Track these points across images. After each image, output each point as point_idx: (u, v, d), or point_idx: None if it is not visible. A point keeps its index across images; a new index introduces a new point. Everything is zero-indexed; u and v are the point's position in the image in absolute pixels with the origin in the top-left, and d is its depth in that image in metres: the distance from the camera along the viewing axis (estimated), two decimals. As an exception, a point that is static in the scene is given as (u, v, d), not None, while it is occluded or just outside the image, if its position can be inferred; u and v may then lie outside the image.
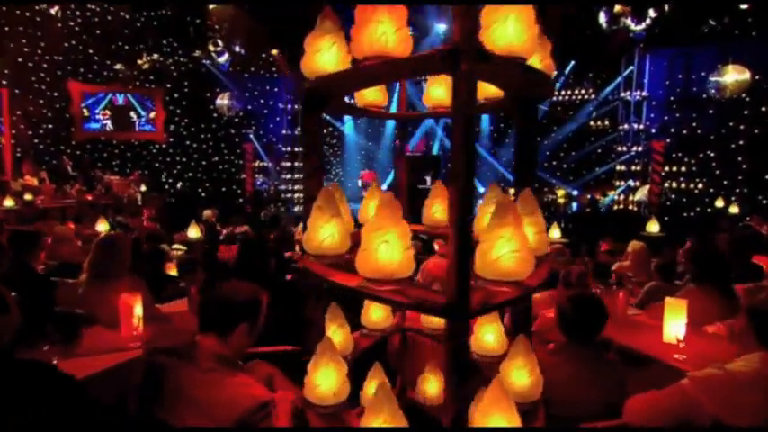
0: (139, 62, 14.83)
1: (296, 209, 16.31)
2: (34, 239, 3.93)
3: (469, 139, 1.26)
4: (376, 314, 2.19)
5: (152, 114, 15.57)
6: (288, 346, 2.66)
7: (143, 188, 12.77)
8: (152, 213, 11.05)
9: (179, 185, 15.26)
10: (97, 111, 14.98)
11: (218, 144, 16.54)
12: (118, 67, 14.79)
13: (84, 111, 14.68)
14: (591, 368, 2.32)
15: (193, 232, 5.76)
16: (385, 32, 1.43)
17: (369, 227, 1.32)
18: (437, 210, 2.01)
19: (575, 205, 16.05)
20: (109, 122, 15.12)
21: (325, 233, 1.51)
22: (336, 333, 1.92)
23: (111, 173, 14.23)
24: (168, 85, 15.59)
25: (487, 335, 1.95)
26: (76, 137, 14.46)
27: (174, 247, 6.98)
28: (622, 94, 13.24)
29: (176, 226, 9.68)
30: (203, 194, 16.34)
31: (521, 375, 1.66)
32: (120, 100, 15.20)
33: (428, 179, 13.36)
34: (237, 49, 14.63)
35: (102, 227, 5.34)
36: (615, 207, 13.63)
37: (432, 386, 2.00)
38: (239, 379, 1.83)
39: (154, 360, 1.86)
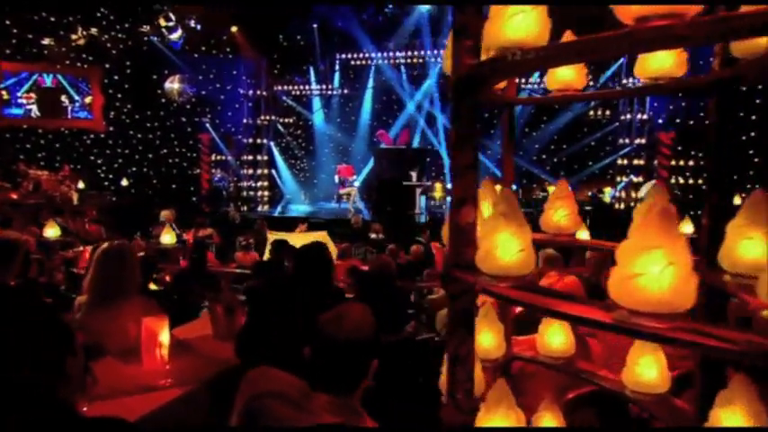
0: (73, 37, 13.79)
1: (260, 209, 15.49)
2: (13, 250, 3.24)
3: None
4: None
5: (87, 99, 14.67)
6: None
7: (81, 185, 11.69)
8: (93, 215, 10.10)
9: (123, 182, 14.16)
10: (19, 93, 14.05)
11: (168, 134, 15.60)
12: (46, 42, 13.78)
13: (4, 93, 13.72)
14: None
15: (168, 238, 5.05)
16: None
17: (635, 244, 1.09)
18: (561, 215, 1.77)
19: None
20: (34, 107, 14.24)
21: (513, 247, 1.28)
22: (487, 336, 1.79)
23: (36, 167, 13.11)
24: (107, 65, 14.68)
25: None
26: (-6, 124, 13.49)
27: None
28: (624, 81, 13.08)
29: (126, 230, 8.91)
30: (150, 192, 15.34)
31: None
32: (47, 81, 14.29)
33: (414, 174, 12.84)
34: (193, 24, 13.67)
35: (52, 232, 4.53)
36: (617, 205, 13.49)
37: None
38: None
39: (260, 406, 1.53)
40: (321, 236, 8.70)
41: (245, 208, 15.07)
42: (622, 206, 13.34)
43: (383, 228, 9.21)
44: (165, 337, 2.55)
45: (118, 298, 2.70)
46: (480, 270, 1.29)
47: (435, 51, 14.34)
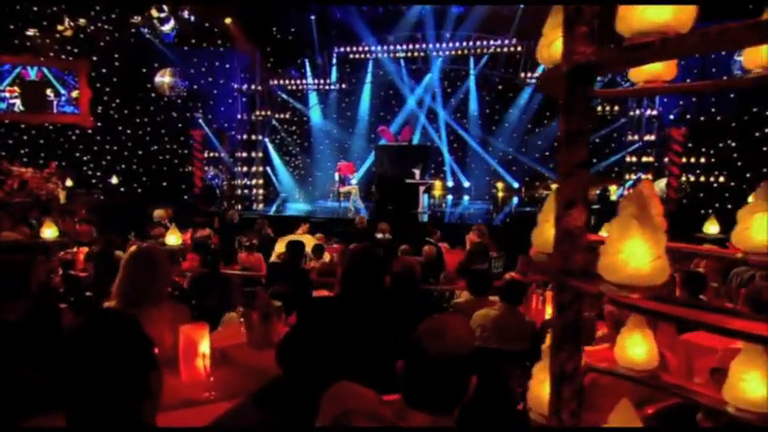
0: (59, 27, 13.50)
1: (255, 207, 15.31)
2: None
3: None
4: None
5: (74, 93, 14.44)
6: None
7: (68, 183, 11.47)
8: (83, 214, 9.92)
9: (113, 180, 13.93)
10: (2, 87, 13.84)
11: (158, 130, 15.37)
12: (30, 32, 13.52)
13: (-14, 86, 13.48)
14: None
15: (173, 238, 4.89)
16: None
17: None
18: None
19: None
20: (18, 101, 14.02)
21: (647, 255, 1.19)
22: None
23: (19, 164, 12.87)
24: (95, 58, 14.44)
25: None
26: (-26, 119, 13.25)
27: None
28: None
29: (118, 230, 8.72)
30: (140, 190, 15.13)
31: None
32: (32, 74, 14.08)
33: (417, 172, 12.71)
34: (186, 14, 13.44)
35: (50, 232, 4.35)
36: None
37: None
38: None
39: (350, 425, 1.50)
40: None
41: (240, 207, 14.89)
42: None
43: (390, 227, 9.07)
44: (205, 346, 2.44)
45: (148, 304, 2.60)
46: (603, 278, 1.22)
47: (438, 45, 14.23)
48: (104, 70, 14.64)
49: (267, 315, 2.88)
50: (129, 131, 15.11)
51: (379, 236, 8.83)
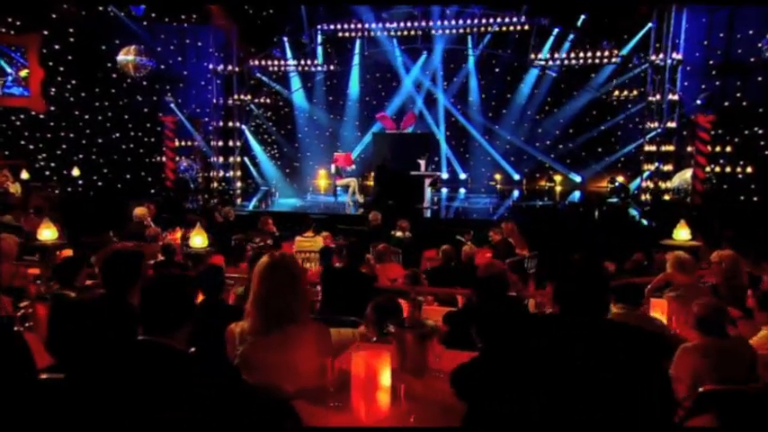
0: (5, -5, 12.52)
1: (239, 202, 14.57)
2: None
3: None
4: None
5: (23, 72, 13.63)
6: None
7: (24, 176, 10.58)
8: (46, 212, 9.09)
9: (74, 172, 13.01)
10: None
11: (121, 116, 14.52)
12: None
13: None
14: None
15: (199, 240, 4.34)
16: None
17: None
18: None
19: (577, 194, 15.69)
20: None
21: None
22: None
23: None
24: (46, 32, 13.53)
25: None
26: None
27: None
28: (652, 57, 12.80)
29: (88, 230, 8.01)
30: (100, 183, 14.25)
31: None
32: None
33: (422, 163, 12.22)
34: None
35: (49, 233, 3.74)
36: (643, 196, 13.24)
37: None
38: None
39: None
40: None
41: (216, 201, 14.17)
42: (649, 197, 13.12)
43: (410, 224, 8.53)
44: (386, 377, 2.20)
45: (289, 324, 2.50)
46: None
47: (444, 22, 13.72)
48: (57, 46, 13.75)
49: (423, 336, 2.62)
50: (87, 117, 14.27)
51: (398, 234, 8.29)
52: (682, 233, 5.95)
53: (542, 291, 6.31)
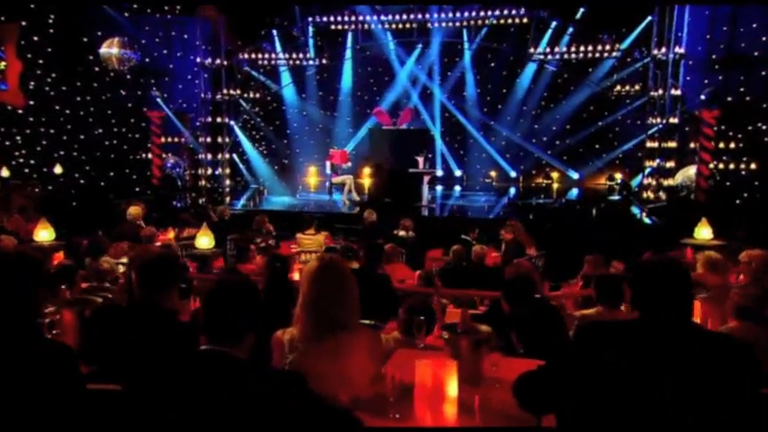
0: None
1: (229, 200, 14.33)
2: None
3: None
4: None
5: (0, 64, 13.12)
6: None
7: (4, 173, 10.28)
8: (31, 211, 8.90)
9: (56, 170, 12.66)
10: None
11: (104, 110, 14.17)
12: None
13: None
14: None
15: (205, 241, 4.17)
16: None
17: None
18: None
19: (575, 192, 15.66)
20: None
21: None
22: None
23: None
24: (24, 23, 13.08)
25: None
26: None
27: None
28: (654, 52, 12.77)
29: (75, 229, 7.78)
30: (82, 182, 13.92)
31: None
32: None
33: (420, 160, 12.08)
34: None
35: (46, 234, 3.55)
36: (645, 194, 13.21)
37: None
38: None
39: None
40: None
41: (204, 200, 13.95)
42: (651, 195, 13.10)
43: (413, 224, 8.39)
44: (453, 388, 2.21)
45: (341, 330, 2.47)
46: None
47: (441, 15, 13.58)
48: (37, 38, 13.31)
49: (478, 342, 2.57)
50: (68, 112, 13.83)
51: (402, 233, 8.13)
52: (703, 232, 5.85)
53: (567, 290, 6.22)
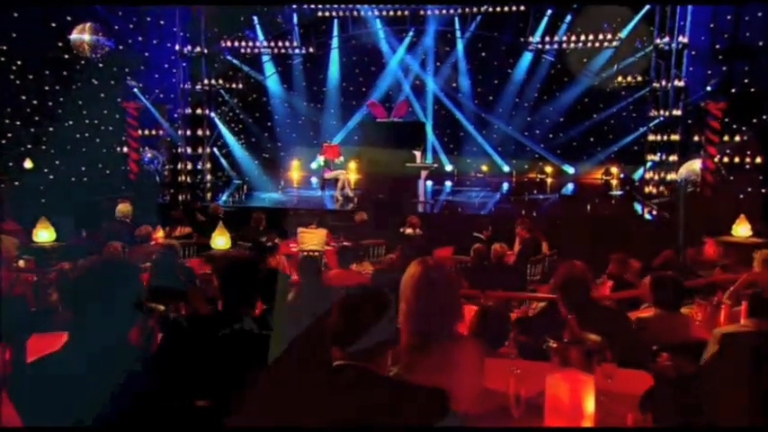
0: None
1: (209, 196, 13.93)
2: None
3: None
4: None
5: None
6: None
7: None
8: (5, 209, 8.49)
9: (27, 165, 12.13)
10: None
11: (75, 101, 13.62)
12: None
13: None
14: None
15: (222, 240, 3.89)
16: None
17: None
18: None
19: (570, 186, 15.62)
20: None
21: None
22: None
23: None
24: None
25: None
26: None
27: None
28: (657, 41, 12.71)
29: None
30: (51, 177, 13.38)
31: None
32: None
33: (417, 154, 11.84)
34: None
35: (46, 234, 3.25)
36: (647, 188, 13.18)
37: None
38: None
39: None
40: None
41: (187, 197, 13.54)
42: (654, 190, 13.07)
43: (420, 222, 8.15)
44: (591, 405, 2.08)
45: (447, 340, 2.41)
46: None
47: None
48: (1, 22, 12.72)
49: (590, 352, 2.47)
50: (35, 102, 13.26)
51: (409, 231, 7.88)
52: (741, 229, 5.75)
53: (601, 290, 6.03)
